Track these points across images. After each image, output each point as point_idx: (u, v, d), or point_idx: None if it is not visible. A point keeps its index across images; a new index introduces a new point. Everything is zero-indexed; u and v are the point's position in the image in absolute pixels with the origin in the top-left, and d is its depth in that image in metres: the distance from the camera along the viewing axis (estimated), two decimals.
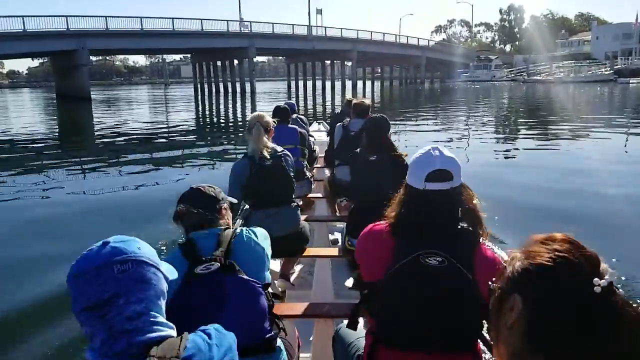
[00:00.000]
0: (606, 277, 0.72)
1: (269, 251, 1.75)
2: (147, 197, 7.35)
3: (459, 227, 1.47)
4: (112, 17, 35.38)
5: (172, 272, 1.18)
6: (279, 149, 3.06)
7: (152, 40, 38.16)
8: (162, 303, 1.09)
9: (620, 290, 0.70)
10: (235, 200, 1.98)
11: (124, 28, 36.20)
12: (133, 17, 36.66)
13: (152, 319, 1.03)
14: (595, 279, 0.70)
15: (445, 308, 1.36)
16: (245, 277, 1.57)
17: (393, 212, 1.55)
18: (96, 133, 17.22)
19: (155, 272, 1.07)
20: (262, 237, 1.74)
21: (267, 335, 1.61)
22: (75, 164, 10.86)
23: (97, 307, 0.99)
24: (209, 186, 1.79)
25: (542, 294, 0.74)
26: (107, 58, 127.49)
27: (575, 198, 6.40)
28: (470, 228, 1.47)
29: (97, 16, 34.90)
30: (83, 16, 34.47)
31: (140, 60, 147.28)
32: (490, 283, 0.87)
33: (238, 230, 1.70)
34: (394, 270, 1.40)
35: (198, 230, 1.68)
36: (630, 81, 42.97)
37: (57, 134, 17.84)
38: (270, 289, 1.69)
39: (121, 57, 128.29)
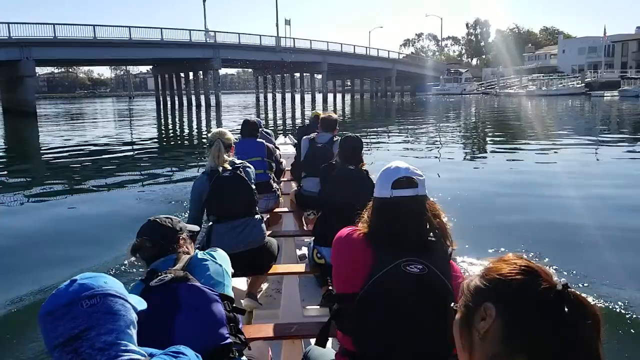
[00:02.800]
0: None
1: (228, 269, 1.75)
2: (98, 220, 6.62)
3: (430, 237, 1.47)
4: (61, 24, 32.47)
5: (140, 303, 1.22)
6: (238, 161, 3.04)
7: (107, 50, 35.55)
8: (133, 332, 1.12)
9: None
10: (196, 228, 1.93)
11: (75, 37, 33.37)
12: (85, 25, 33.84)
13: (123, 348, 1.06)
14: (555, 278, 0.83)
15: (431, 316, 1.33)
16: (199, 284, 1.58)
17: (365, 223, 1.54)
18: (42, 152, 15.81)
19: (123, 304, 1.11)
20: (220, 257, 1.74)
21: (222, 342, 1.56)
22: (14, 185, 9.74)
23: (70, 342, 1.02)
24: (166, 217, 1.81)
25: (515, 298, 0.82)
26: (70, 70, 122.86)
27: (542, 213, 6.46)
28: (440, 240, 1.47)
29: (43, 23, 31.79)
30: (28, 23, 31.36)
31: (105, 72, 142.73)
32: (452, 305, 0.93)
33: (195, 252, 1.74)
34: (377, 279, 1.37)
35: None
36: (605, 94, 42.80)
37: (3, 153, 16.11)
38: (233, 304, 1.69)
39: (85, 68, 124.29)
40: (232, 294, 1.70)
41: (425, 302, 1.34)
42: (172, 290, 1.55)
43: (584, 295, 0.81)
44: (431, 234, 1.48)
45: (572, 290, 0.81)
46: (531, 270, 0.84)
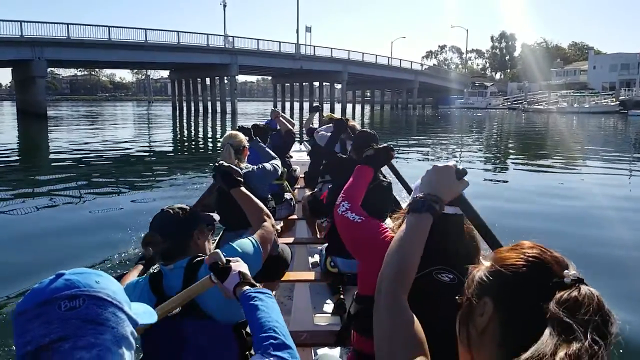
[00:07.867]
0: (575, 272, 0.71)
1: (251, 266, 1.51)
2: (105, 223, 6.53)
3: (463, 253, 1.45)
4: (75, 24, 31.63)
5: (149, 316, 0.98)
6: (244, 167, 3.07)
7: (122, 53, 34.51)
8: (125, 352, 0.86)
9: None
10: (217, 217, 1.88)
11: (89, 37, 32.52)
12: (100, 25, 33.02)
13: None
14: (566, 271, 0.70)
15: (454, 327, 1.23)
16: (210, 319, 1.44)
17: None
18: (51, 155, 15.53)
19: (115, 312, 0.86)
20: (239, 252, 1.57)
21: None
22: (23, 186, 9.50)
23: (38, 354, 0.79)
24: (179, 207, 1.67)
25: (514, 294, 0.72)
26: (93, 72, 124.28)
27: (571, 232, 6.19)
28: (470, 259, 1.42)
29: (57, 23, 30.96)
30: (41, 22, 30.49)
31: (127, 76, 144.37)
32: (457, 297, 0.84)
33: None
34: None
35: (169, 258, 1.57)
36: None
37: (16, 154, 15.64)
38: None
39: (108, 72, 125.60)
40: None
41: (450, 312, 1.19)
42: (177, 326, 1.38)
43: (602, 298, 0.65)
44: (465, 252, 1.40)
45: (587, 288, 0.66)
46: (539, 261, 0.72)
